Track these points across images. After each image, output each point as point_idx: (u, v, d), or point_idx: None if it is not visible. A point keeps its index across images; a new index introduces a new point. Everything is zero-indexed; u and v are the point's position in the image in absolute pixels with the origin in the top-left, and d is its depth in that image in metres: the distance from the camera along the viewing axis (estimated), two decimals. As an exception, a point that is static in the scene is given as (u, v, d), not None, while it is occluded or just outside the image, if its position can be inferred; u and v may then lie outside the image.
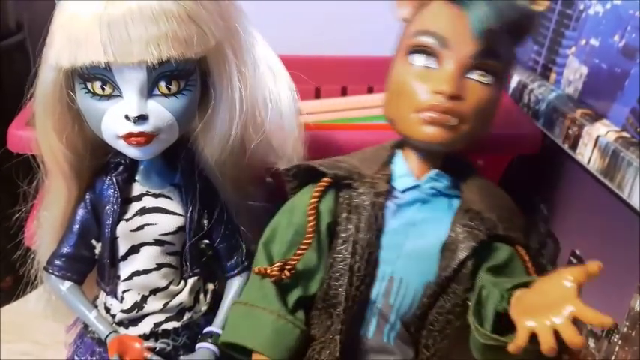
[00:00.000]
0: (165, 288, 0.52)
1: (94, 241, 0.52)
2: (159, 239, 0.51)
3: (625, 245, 0.51)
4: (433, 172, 0.49)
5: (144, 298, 0.52)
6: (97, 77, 0.44)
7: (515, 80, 0.71)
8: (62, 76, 0.45)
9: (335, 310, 0.49)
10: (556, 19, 0.67)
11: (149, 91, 0.45)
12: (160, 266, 0.52)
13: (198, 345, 0.53)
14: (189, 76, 0.46)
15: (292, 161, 0.54)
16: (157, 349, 0.52)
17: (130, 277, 0.52)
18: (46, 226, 0.53)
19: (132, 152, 0.47)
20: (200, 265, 0.53)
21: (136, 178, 0.51)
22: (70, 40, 0.43)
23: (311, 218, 0.49)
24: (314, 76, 0.62)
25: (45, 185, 0.52)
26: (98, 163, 0.51)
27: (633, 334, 0.50)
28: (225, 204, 0.53)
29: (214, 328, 0.53)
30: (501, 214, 0.48)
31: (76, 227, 0.52)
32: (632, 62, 0.54)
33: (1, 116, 0.59)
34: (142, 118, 0.45)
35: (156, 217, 0.51)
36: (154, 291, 0.52)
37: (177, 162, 0.51)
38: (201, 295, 0.54)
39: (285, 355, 0.48)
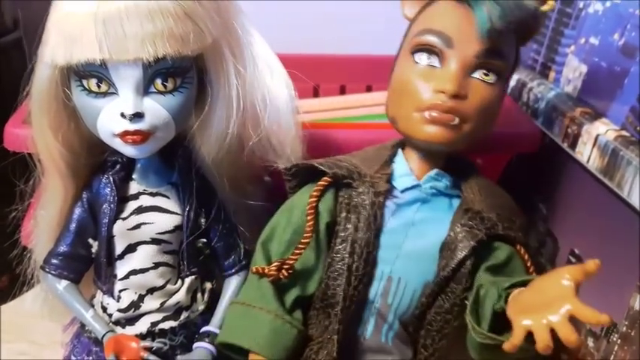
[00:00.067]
0: (163, 287, 0.52)
1: (90, 240, 0.52)
2: (156, 238, 0.51)
3: (624, 244, 0.51)
4: (433, 171, 0.49)
5: (141, 298, 0.52)
6: (93, 75, 0.44)
7: (514, 79, 0.71)
8: (58, 74, 0.45)
9: (333, 310, 0.48)
10: (555, 17, 0.67)
11: (145, 88, 0.45)
12: (157, 265, 0.51)
13: (196, 345, 0.53)
14: (186, 74, 0.46)
15: (291, 160, 0.54)
16: (154, 348, 0.51)
17: (126, 276, 0.51)
18: (43, 224, 0.53)
19: (128, 150, 0.47)
20: (197, 264, 0.53)
21: (133, 176, 0.51)
22: (65, 37, 0.43)
23: (310, 218, 0.48)
24: (312, 74, 0.61)
25: (41, 184, 0.52)
26: (95, 161, 0.51)
27: (632, 334, 0.49)
28: (222, 203, 0.53)
29: (212, 327, 0.53)
30: (501, 213, 0.48)
31: (73, 226, 0.51)
32: (632, 61, 0.54)
33: (-2, 114, 0.59)
34: (137, 116, 0.44)
35: (153, 215, 0.51)
36: (151, 290, 0.52)
37: (175, 160, 0.51)
38: (199, 295, 0.54)
39: (283, 356, 0.48)
